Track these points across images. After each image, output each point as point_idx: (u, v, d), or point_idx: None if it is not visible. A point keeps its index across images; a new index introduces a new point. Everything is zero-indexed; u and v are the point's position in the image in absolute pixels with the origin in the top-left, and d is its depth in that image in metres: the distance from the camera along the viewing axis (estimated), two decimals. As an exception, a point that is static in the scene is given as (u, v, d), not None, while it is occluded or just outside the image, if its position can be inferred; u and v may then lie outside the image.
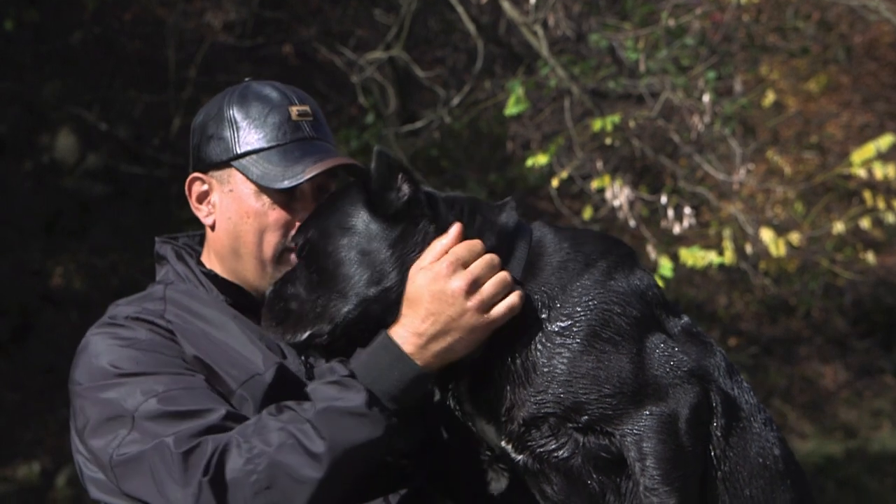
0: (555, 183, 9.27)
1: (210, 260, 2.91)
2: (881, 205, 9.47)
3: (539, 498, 2.65)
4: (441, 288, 2.57)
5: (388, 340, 2.59)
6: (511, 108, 8.37)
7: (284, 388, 2.68)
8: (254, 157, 2.79)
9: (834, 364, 14.66)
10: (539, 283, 2.60)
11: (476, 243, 2.60)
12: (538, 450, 2.57)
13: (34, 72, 12.61)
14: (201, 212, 2.89)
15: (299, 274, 2.66)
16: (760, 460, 2.60)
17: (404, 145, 11.67)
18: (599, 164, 9.89)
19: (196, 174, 2.88)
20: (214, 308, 2.81)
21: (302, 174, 2.74)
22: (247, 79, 2.94)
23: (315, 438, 2.51)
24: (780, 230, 9.53)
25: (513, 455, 2.61)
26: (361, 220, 2.63)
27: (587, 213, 9.88)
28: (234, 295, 2.83)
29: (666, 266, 8.12)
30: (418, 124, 11.49)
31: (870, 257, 10.59)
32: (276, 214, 2.80)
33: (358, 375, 2.57)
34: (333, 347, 2.64)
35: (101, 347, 2.72)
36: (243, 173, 2.80)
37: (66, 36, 12.99)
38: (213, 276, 2.85)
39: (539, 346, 2.54)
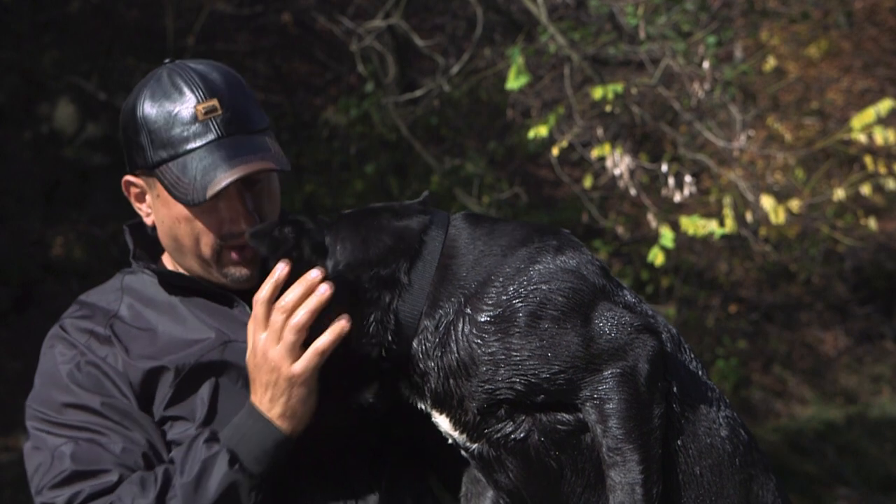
0: (555, 151, 9.25)
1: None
2: (882, 170, 9.44)
3: (492, 489, 2.64)
4: (256, 361, 2.64)
5: (251, 407, 2.66)
6: (512, 82, 8.33)
7: (231, 363, 2.77)
8: (168, 165, 2.74)
9: (834, 330, 14.66)
10: (455, 286, 2.57)
11: (263, 296, 2.61)
12: (495, 436, 2.55)
13: (32, 41, 12.57)
14: (142, 211, 2.89)
15: None
16: (708, 440, 2.59)
17: (403, 114, 11.64)
18: (600, 132, 9.86)
19: (128, 178, 2.86)
20: (164, 295, 2.86)
21: (205, 191, 2.69)
22: (166, 61, 2.87)
23: None
24: (781, 197, 9.51)
25: (468, 445, 2.60)
26: None
27: (587, 181, 9.87)
28: (178, 281, 2.87)
29: (667, 236, 8.10)
30: (417, 93, 11.45)
31: (870, 223, 10.56)
32: (203, 219, 2.78)
33: (223, 438, 2.64)
34: None
35: (46, 370, 2.82)
36: (160, 181, 2.77)
37: (64, 5, 12.94)
38: (155, 271, 2.90)
39: (473, 339, 2.52)
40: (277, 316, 2.60)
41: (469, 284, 2.55)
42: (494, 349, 2.51)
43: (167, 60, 2.87)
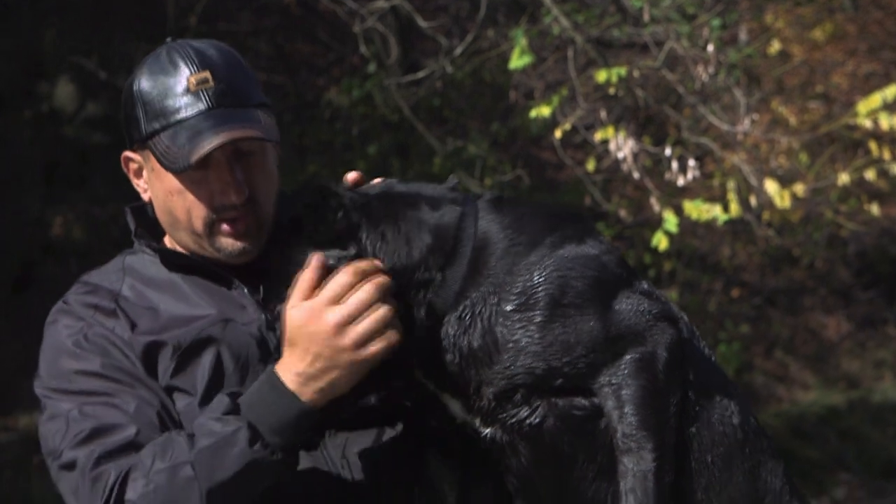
0: (558, 134, 9.23)
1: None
2: (886, 155, 9.45)
3: (502, 472, 2.63)
4: (315, 328, 2.55)
5: (274, 377, 2.59)
6: (515, 62, 8.31)
7: (231, 342, 2.75)
8: (160, 136, 2.75)
9: (837, 315, 14.65)
10: (484, 276, 2.56)
11: (348, 275, 2.55)
12: (510, 421, 2.55)
13: (32, 20, 12.53)
14: (140, 187, 2.90)
15: None
16: (721, 427, 2.60)
17: (406, 95, 11.61)
18: (603, 115, 9.84)
19: (126, 153, 2.88)
20: (166, 273, 2.86)
21: (190, 156, 2.69)
22: (168, 39, 2.88)
23: (193, 479, 2.56)
24: (785, 181, 9.51)
25: (480, 429, 2.59)
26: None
27: (591, 164, 9.85)
28: (178, 260, 2.87)
29: (671, 221, 8.09)
30: (420, 74, 11.42)
31: (874, 208, 10.57)
32: (195, 190, 2.77)
33: (243, 410, 2.59)
34: None
35: (53, 343, 2.81)
36: (152, 153, 2.78)
37: (65, -17, 12.90)
38: (156, 249, 2.90)
39: (497, 328, 2.52)
40: (366, 295, 2.54)
41: (497, 274, 2.55)
42: (518, 336, 2.51)
43: (169, 39, 2.88)
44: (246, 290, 2.82)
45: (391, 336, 2.54)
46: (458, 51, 11.12)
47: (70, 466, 2.66)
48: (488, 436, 2.58)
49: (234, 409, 2.60)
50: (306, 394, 2.56)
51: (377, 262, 2.56)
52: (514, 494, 2.66)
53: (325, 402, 2.59)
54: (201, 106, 2.74)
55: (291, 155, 11.70)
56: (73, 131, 12.38)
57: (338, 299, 2.54)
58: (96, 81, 12.49)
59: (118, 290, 2.84)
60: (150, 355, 2.75)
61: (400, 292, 2.57)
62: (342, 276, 2.55)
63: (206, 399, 2.73)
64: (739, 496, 2.61)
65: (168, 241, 2.94)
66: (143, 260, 2.90)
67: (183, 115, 2.74)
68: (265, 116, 2.80)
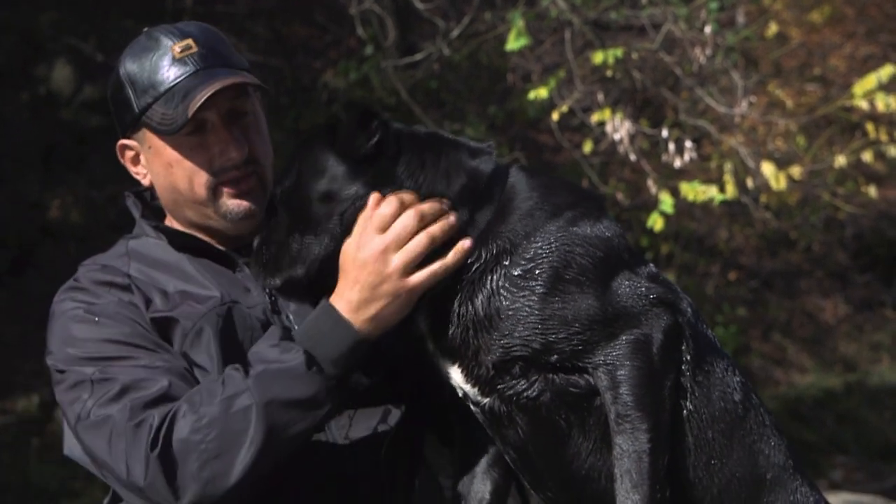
0: (555, 116, 9.23)
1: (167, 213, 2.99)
2: (883, 137, 9.46)
3: (499, 443, 2.66)
4: (362, 255, 2.57)
5: (328, 306, 2.61)
6: (512, 44, 8.30)
7: (236, 324, 2.77)
8: (153, 108, 2.81)
9: (834, 298, 14.66)
10: (503, 231, 2.60)
11: (391, 206, 2.57)
12: (507, 392, 2.58)
13: (30, 2, 12.50)
14: (139, 175, 2.96)
15: (281, 220, 2.68)
16: (722, 404, 2.62)
17: (403, 78, 11.60)
18: (600, 97, 9.84)
19: (121, 141, 2.94)
20: (172, 255, 2.88)
21: (187, 111, 2.75)
22: (145, 29, 2.94)
23: (249, 407, 2.56)
24: (782, 163, 9.52)
25: (479, 398, 2.62)
26: (329, 163, 2.63)
27: (587, 146, 9.84)
28: (184, 241, 2.90)
29: (667, 202, 8.10)
30: (417, 56, 11.41)
31: (871, 191, 10.58)
32: (194, 157, 2.83)
33: (298, 339, 2.61)
34: (313, 290, 2.67)
35: (66, 316, 2.80)
36: (148, 128, 2.84)
37: (62, -34, 12.86)
38: (163, 230, 2.92)
39: (502, 292, 2.55)
40: (410, 221, 2.57)
41: (516, 234, 2.59)
42: (519, 305, 2.54)
43: (145, 29, 2.94)
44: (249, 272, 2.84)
45: (437, 267, 2.57)
46: (456, 33, 11.11)
47: (102, 422, 2.63)
48: (487, 405, 2.61)
49: (287, 338, 2.62)
50: (357, 321, 2.58)
51: (414, 194, 2.59)
52: (512, 465, 2.69)
53: (376, 334, 2.61)
54: (189, 69, 2.81)
55: (288, 138, 11.69)
56: (70, 114, 12.36)
57: (384, 228, 2.57)
58: (94, 64, 12.47)
59: (126, 271, 2.85)
60: (164, 332, 2.77)
61: None
62: (385, 207, 2.57)
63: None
64: (740, 471, 2.63)
65: (170, 224, 2.97)
66: (146, 243, 2.91)
67: (172, 81, 2.80)
68: (250, 75, 2.86)
